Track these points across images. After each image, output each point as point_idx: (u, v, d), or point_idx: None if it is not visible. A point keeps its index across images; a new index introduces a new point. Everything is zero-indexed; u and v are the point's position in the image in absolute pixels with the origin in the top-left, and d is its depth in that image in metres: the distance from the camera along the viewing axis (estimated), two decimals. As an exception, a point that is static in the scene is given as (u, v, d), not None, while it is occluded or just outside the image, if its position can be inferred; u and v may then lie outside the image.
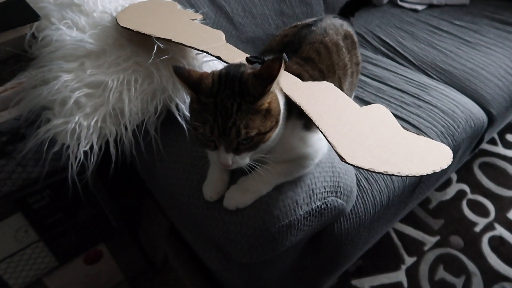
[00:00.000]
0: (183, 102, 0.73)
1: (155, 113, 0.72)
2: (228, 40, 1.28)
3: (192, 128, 0.60)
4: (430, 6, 1.47)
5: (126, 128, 0.69)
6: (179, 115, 0.74)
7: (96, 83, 0.68)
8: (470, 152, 1.24)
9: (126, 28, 0.73)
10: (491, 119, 1.15)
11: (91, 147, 0.67)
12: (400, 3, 1.52)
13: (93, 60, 0.70)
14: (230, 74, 0.58)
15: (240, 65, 0.61)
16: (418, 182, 1.00)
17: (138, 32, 0.72)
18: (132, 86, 0.69)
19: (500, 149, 1.63)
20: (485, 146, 1.63)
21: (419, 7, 1.49)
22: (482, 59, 1.22)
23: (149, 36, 0.71)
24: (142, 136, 0.72)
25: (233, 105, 0.55)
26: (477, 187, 1.48)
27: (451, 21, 1.38)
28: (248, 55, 0.70)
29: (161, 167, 0.75)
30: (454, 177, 1.52)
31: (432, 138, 1.00)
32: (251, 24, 1.29)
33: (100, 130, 0.68)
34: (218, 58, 0.70)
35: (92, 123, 0.66)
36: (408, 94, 1.11)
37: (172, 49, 0.74)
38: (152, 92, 0.71)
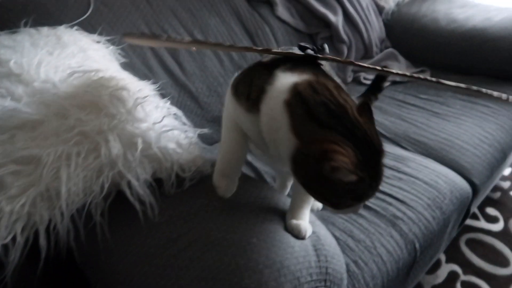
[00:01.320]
0: (136, 179, 0.61)
1: (101, 193, 0.59)
2: (193, 119, 1.22)
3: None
4: (394, 82, 1.49)
5: (62, 214, 0.56)
6: (132, 195, 0.61)
7: (27, 158, 0.56)
8: (458, 227, 1.15)
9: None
10: (475, 189, 1.09)
11: (14, 239, 0.52)
12: (363, 81, 1.54)
13: (27, 131, 0.59)
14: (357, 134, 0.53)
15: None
16: (413, 262, 0.88)
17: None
18: (73, 161, 0.57)
19: (483, 224, 1.55)
20: (467, 221, 1.55)
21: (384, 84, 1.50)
22: (455, 129, 1.20)
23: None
24: (84, 222, 0.59)
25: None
26: (469, 267, 1.37)
27: (417, 95, 1.39)
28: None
29: (107, 261, 0.60)
30: (442, 257, 1.40)
31: (419, 212, 0.92)
32: (217, 103, 1.24)
33: (28, 216, 0.54)
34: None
35: (17, 207, 0.53)
36: (386, 167, 1.04)
37: (124, 118, 0.64)
38: (98, 168, 0.59)
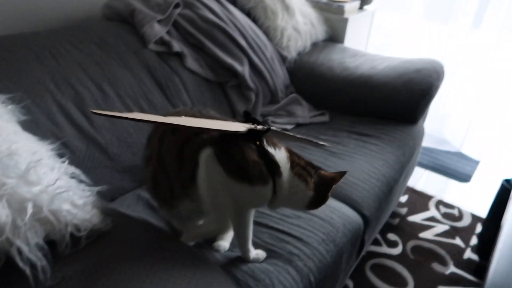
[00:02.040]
0: (26, 244, 0.62)
1: (-13, 261, 0.59)
2: (102, 171, 1.23)
3: None
4: (298, 125, 1.63)
5: None
6: (22, 260, 0.62)
7: None
8: (356, 256, 1.27)
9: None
10: (366, 221, 1.22)
11: None
12: (272, 124, 1.66)
13: None
14: None
15: None
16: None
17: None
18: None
19: (385, 249, 1.71)
20: (371, 248, 1.70)
21: (288, 126, 1.64)
22: (348, 167, 1.34)
23: None
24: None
25: None
26: (374, 290, 1.50)
27: (317, 136, 1.53)
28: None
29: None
30: (350, 284, 1.52)
31: (314, 247, 1.02)
32: (127, 153, 1.27)
33: None
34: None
35: None
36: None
37: (14, 183, 0.65)
38: (-15, 236, 0.60)
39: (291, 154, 0.86)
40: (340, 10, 1.98)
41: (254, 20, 1.82)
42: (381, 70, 1.68)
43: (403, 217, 1.91)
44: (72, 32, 1.33)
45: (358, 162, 1.37)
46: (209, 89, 1.55)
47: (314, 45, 1.95)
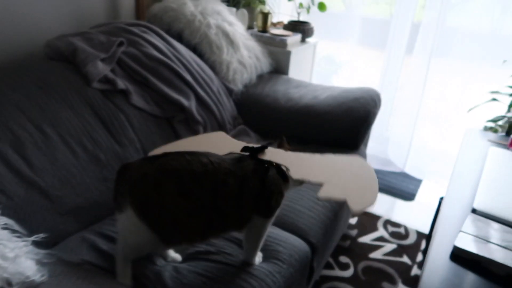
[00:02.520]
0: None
1: None
2: (43, 215, 1.19)
3: None
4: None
5: None
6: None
7: None
8: (306, 283, 1.30)
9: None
10: (314, 248, 1.26)
11: None
12: (221, 156, 1.69)
13: None
14: None
15: None
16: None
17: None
18: None
19: (337, 272, 1.76)
20: (324, 272, 1.74)
21: (237, 158, 1.67)
22: (295, 195, 1.38)
23: None
24: None
25: None
26: (327, 315, 1.52)
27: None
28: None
29: None
30: (305, 310, 1.54)
31: (261, 279, 1.04)
32: (71, 194, 1.24)
33: None
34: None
35: None
36: (237, 242, 1.16)
37: None
38: None
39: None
40: (283, 44, 2.08)
41: (200, 55, 1.87)
42: (323, 100, 1.77)
43: (353, 239, 1.97)
44: (10, 73, 1.30)
45: (304, 189, 1.42)
46: (156, 124, 1.56)
47: (260, 77, 2.03)
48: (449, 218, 1.03)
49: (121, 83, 1.49)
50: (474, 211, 1.03)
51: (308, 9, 2.28)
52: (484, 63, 2.21)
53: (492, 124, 1.90)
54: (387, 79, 2.56)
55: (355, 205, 0.91)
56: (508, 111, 1.85)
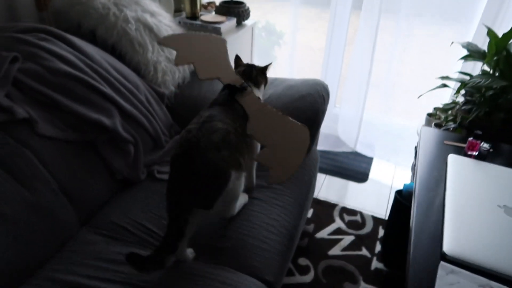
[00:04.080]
0: None
1: None
2: None
3: None
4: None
5: None
6: None
7: None
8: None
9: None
10: (271, 286, 1.14)
11: None
12: (158, 175, 1.49)
13: None
14: None
15: None
16: None
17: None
18: None
19: (298, 278, 1.68)
20: (285, 280, 1.65)
21: (178, 177, 1.48)
22: (245, 224, 1.24)
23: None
24: None
25: None
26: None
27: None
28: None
29: None
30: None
31: None
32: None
33: None
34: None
35: None
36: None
37: None
38: None
39: None
40: (217, 32, 1.84)
41: (120, 56, 1.59)
42: (266, 100, 1.59)
43: (311, 236, 1.90)
44: None
45: (254, 215, 1.27)
46: (74, 152, 1.31)
47: (195, 74, 1.79)
48: (419, 267, 0.88)
49: (22, 111, 1.21)
50: (444, 256, 0.90)
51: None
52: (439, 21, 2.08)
53: (442, 115, 1.84)
54: (333, 44, 2.36)
55: (272, 177, 1.09)
56: (456, 96, 1.78)
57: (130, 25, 1.60)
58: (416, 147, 2.04)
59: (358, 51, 2.30)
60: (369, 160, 2.47)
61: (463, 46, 1.62)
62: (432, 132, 1.40)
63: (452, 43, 1.69)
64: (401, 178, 2.35)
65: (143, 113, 1.51)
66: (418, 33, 2.29)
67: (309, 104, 1.54)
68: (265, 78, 1.40)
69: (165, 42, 1.36)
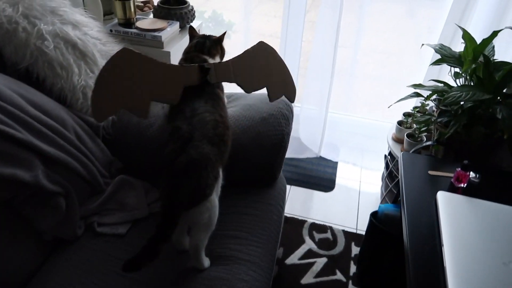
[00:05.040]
0: None
1: None
2: None
3: None
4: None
5: None
6: None
7: None
8: None
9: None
10: None
11: None
12: (98, 229, 1.23)
13: None
14: None
15: None
16: None
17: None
18: None
19: None
20: None
21: (123, 229, 1.24)
22: (223, 270, 1.03)
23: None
24: None
25: None
26: None
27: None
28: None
29: None
30: None
31: None
32: None
33: None
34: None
35: None
36: None
37: None
38: None
39: None
40: (157, 43, 1.56)
41: (38, 82, 1.29)
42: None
43: (281, 263, 1.73)
44: None
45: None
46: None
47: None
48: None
49: None
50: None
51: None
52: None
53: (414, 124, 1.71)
54: (290, 30, 2.10)
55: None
56: (425, 102, 1.66)
57: (47, 42, 1.29)
58: (386, 156, 1.92)
59: (319, 37, 2.08)
60: (334, 165, 2.33)
61: (436, 51, 1.47)
62: (413, 159, 1.25)
63: (423, 45, 1.54)
64: (369, 183, 2.23)
65: (73, 154, 1.23)
66: (390, 13, 2.10)
67: (273, 128, 1.33)
68: (221, 48, 1.38)
69: (100, 118, 1.21)
